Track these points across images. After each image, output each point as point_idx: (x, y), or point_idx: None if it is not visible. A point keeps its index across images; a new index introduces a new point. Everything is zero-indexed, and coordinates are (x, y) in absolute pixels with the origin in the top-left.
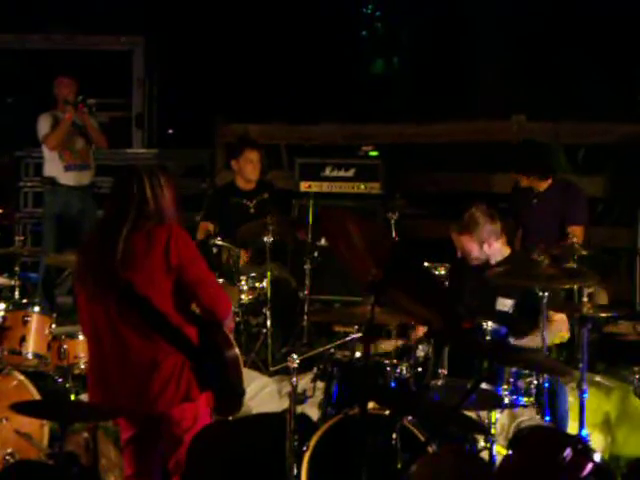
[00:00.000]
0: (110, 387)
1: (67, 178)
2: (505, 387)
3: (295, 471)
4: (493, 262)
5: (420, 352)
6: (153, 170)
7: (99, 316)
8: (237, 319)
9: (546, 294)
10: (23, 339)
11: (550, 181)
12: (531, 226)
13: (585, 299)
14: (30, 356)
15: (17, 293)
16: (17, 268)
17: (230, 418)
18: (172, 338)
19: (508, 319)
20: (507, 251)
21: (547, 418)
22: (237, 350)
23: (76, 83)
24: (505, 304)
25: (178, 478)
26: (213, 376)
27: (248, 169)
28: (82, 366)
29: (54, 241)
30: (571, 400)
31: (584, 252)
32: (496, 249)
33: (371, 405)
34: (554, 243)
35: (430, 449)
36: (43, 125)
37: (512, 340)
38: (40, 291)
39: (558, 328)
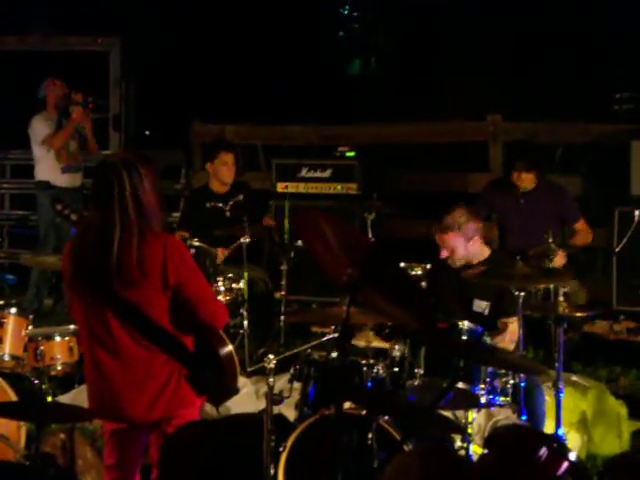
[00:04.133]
0: (107, 392)
1: (63, 180)
2: (482, 387)
3: (272, 471)
4: (475, 262)
5: (396, 352)
6: (130, 161)
7: (94, 323)
8: None
9: (522, 294)
10: None
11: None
12: (518, 227)
13: (561, 298)
14: (6, 357)
15: None
16: None
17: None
18: (168, 348)
19: (483, 320)
20: (487, 251)
21: (523, 417)
22: (230, 346)
23: (65, 85)
24: (480, 305)
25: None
26: (209, 382)
27: (223, 172)
28: (59, 367)
29: (52, 243)
30: (548, 399)
31: (561, 252)
32: (478, 248)
33: (347, 405)
34: (546, 242)
35: (406, 448)
36: (42, 126)
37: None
38: (33, 291)
39: (506, 338)
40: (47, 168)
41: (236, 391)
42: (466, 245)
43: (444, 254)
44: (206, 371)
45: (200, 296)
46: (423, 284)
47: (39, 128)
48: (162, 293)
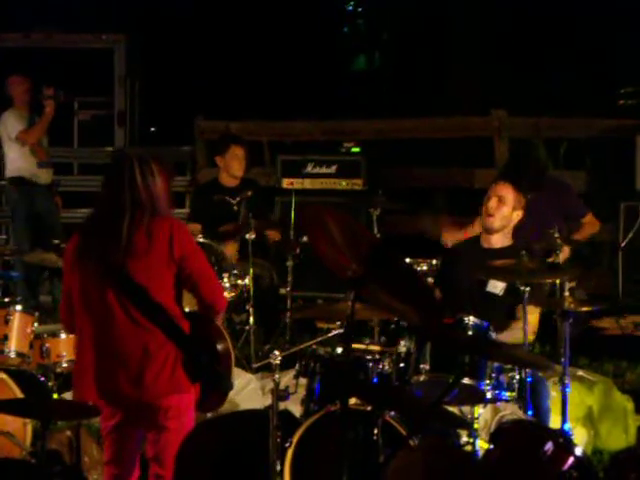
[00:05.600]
0: (102, 371)
1: (39, 175)
2: (487, 382)
3: (278, 467)
4: (499, 245)
5: (402, 347)
6: (144, 157)
7: (94, 300)
8: None
9: (527, 289)
10: (5, 338)
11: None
12: (523, 223)
13: (567, 293)
14: (12, 355)
15: None
16: None
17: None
18: (166, 329)
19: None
20: (509, 241)
21: (529, 412)
22: (229, 343)
23: (30, 81)
24: (496, 286)
25: (156, 467)
26: (204, 369)
27: (234, 165)
28: (64, 365)
29: (29, 240)
30: (554, 394)
31: (566, 247)
32: (510, 229)
33: (353, 401)
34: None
35: (412, 444)
36: (15, 122)
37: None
38: (24, 289)
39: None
40: (22, 164)
41: (230, 387)
42: (510, 209)
43: (490, 205)
44: (202, 356)
45: (202, 272)
46: (429, 279)
47: (12, 124)
48: (167, 266)
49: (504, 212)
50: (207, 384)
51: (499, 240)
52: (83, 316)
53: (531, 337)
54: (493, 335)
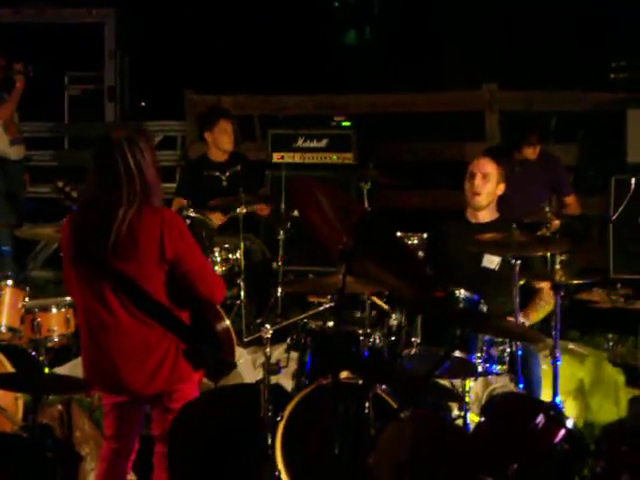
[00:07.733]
0: (105, 366)
1: (12, 152)
2: (478, 355)
3: (270, 441)
4: (486, 219)
5: (393, 321)
6: (133, 138)
7: (91, 297)
8: None
9: (518, 262)
10: None
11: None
12: (513, 195)
13: (557, 266)
14: (3, 329)
15: None
16: None
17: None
18: (165, 322)
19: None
20: (496, 214)
21: (520, 385)
22: (227, 322)
23: (5, 59)
24: (492, 261)
25: (162, 446)
26: (207, 356)
27: (223, 140)
28: (55, 339)
29: (7, 216)
30: (545, 368)
31: (556, 220)
32: (495, 203)
33: (344, 374)
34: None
35: (403, 417)
36: None
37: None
38: (12, 264)
39: (547, 298)
40: None
41: (234, 366)
42: (495, 184)
43: (476, 184)
44: (204, 345)
45: (198, 271)
46: (420, 253)
47: None
48: (159, 267)
49: (489, 188)
50: (210, 370)
51: (486, 215)
52: (83, 314)
53: (549, 307)
54: (484, 308)
